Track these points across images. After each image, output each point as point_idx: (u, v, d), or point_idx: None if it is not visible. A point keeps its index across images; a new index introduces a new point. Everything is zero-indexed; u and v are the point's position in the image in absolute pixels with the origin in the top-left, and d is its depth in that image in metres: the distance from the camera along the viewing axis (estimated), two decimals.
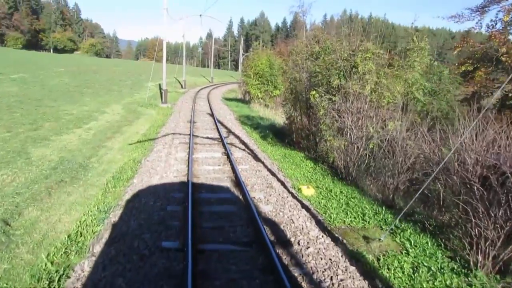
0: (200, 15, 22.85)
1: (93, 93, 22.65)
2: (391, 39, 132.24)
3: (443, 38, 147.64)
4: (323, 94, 8.76)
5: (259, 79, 22.06)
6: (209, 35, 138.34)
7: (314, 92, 8.91)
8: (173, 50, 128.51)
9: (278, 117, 20.57)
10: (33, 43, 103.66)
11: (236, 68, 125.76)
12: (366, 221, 5.73)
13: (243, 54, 71.95)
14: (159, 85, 32.89)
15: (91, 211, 6.13)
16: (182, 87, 34.29)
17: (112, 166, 8.78)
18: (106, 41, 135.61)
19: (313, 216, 5.79)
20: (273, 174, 7.78)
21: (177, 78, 38.32)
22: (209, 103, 21.70)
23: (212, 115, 16.27)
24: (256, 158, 9.11)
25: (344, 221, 5.74)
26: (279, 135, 13.89)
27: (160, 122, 14.46)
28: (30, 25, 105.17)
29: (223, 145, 9.78)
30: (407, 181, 7.86)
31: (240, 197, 6.04)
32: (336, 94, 8.70)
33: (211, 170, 7.45)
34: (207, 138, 10.97)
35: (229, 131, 12.69)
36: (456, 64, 13.72)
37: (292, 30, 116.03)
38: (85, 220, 5.78)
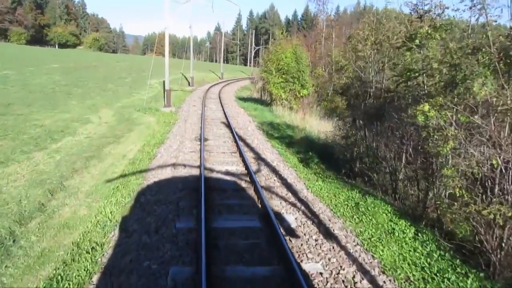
0: None
1: (82, 94, 18.86)
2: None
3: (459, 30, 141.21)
4: (449, 111, 4.67)
5: (283, 76, 17.94)
6: (217, 29, 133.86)
7: (426, 106, 4.80)
8: (180, 45, 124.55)
9: (309, 123, 16.51)
10: (38, 38, 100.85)
11: (245, 62, 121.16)
12: None
13: (254, 48, 67.68)
14: (163, 82, 29.02)
15: None
16: (189, 84, 30.34)
17: (61, 241, 4.87)
18: (112, 35, 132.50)
19: None
20: None
21: (184, 74, 34.39)
22: (221, 105, 17.71)
23: (228, 125, 12.26)
24: (319, 225, 5.10)
25: None
26: (325, 156, 9.85)
27: (159, 138, 10.52)
28: (34, 20, 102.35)
29: (256, 192, 5.78)
30: None
31: None
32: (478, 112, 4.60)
33: (247, 284, 3.43)
34: (228, 173, 6.97)
35: (257, 155, 8.67)
36: None
37: (304, 23, 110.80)
38: None
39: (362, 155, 7.87)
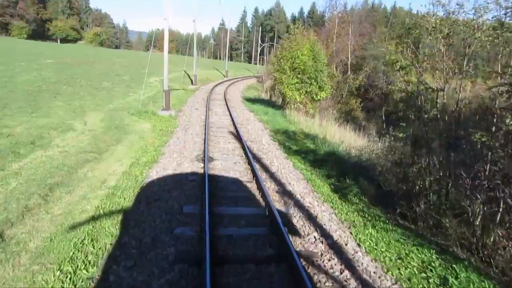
0: None
1: (71, 94, 16.75)
2: (416, 31, 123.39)
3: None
4: None
5: (299, 76, 15.72)
6: (222, 25, 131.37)
7: None
8: (184, 41, 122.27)
9: (329, 132, 14.29)
10: (40, 33, 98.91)
11: (249, 60, 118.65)
12: None
13: (260, 45, 65.49)
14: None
15: None
16: (192, 83, 28.21)
17: None
18: (115, 31, 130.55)
19: None
20: None
21: (187, 71, 32.24)
22: (228, 108, 15.54)
23: (238, 136, 10.10)
24: None
25: None
26: (362, 181, 7.62)
27: (152, 155, 8.36)
28: (36, 14, 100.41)
29: (294, 269, 3.58)
30: None
31: None
32: None
33: None
34: (244, 223, 4.79)
35: (281, 187, 6.49)
36: None
37: (310, 20, 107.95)
38: None
39: (429, 191, 5.66)
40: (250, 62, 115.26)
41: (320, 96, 15.89)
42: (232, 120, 12.63)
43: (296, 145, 11.02)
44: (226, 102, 17.68)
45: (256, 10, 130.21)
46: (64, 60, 32.24)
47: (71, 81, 20.72)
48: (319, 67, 15.69)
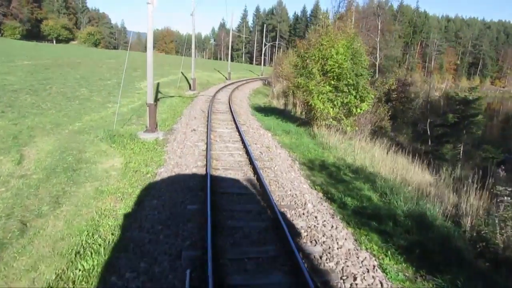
0: None
1: (29, 106, 12.62)
2: (423, 29, 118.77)
3: (478, 29, 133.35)
4: None
5: (332, 82, 11.59)
6: (222, 25, 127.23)
7: None
8: (184, 41, 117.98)
9: (377, 160, 10.17)
10: (34, 33, 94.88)
11: (251, 61, 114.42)
12: None
13: (265, 44, 61.47)
14: (157, 85, 22.73)
15: None
16: (190, 87, 24.09)
17: None
18: (113, 31, 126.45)
19: None
20: None
21: (185, 73, 28.14)
22: (237, 127, 11.43)
23: (262, 193, 5.97)
24: None
25: None
26: None
27: (101, 249, 4.20)
28: (30, 14, 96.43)
29: None
30: None
31: None
32: None
33: None
34: None
35: None
36: None
37: (313, 19, 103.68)
38: None
39: None
40: (251, 63, 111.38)
41: (361, 109, 11.77)
42: (247, 151, 8.50)
43: (351, 195, 6.87)
44: (233, 116, 13.56)
45: (257, 9, 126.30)
46: (43, 62, 28.09)
47: (39, 87, 16.58)
48: (359, 70, 11.57)
